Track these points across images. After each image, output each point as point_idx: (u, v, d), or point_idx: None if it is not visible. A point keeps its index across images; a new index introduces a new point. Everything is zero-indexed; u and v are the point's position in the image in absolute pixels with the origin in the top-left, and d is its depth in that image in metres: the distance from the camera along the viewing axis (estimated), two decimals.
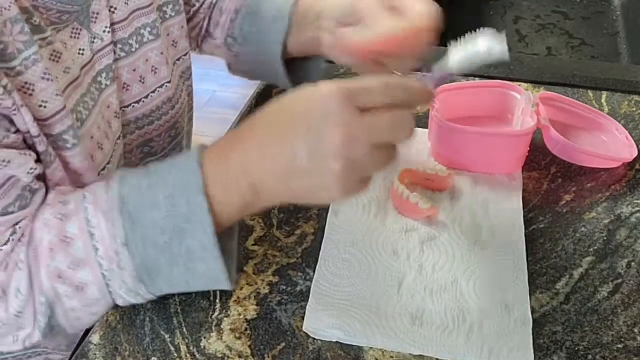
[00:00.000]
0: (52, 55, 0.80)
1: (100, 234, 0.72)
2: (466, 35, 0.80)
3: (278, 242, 0.90)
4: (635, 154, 1.01)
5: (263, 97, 1.19)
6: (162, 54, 0.98)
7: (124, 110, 0.95)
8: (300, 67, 1.06)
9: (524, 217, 0.92)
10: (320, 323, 0.79)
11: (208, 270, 0.72)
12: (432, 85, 0.79)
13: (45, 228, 0.73)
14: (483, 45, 0.78)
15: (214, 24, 1.13)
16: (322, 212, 0.94)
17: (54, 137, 0.79)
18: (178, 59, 1.05)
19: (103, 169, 0.88)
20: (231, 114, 2.99)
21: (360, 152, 0.66)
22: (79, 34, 0.85)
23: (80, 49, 0.85)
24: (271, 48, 1.03)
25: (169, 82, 1.00)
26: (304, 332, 0.78)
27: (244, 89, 3.66)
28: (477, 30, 0.79)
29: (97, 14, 0.87)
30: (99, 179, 0.85)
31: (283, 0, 1.02)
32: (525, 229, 0.91)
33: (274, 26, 1.02)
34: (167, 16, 1.01)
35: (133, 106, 0.96)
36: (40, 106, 0.76)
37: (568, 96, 1.10)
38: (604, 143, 1.06)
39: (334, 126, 0.65)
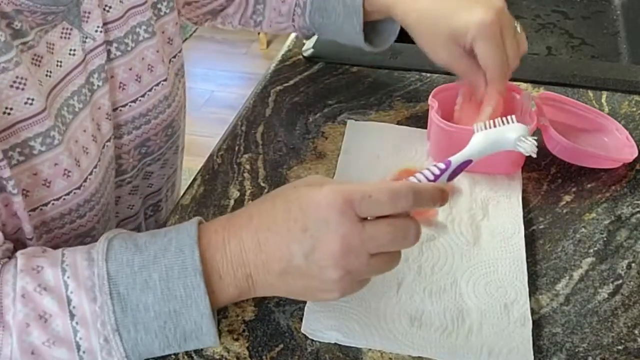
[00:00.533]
0: (33, 59, 0.79)
1: (81, 314, 0.68)
2: (483, 125, 0.79)
3: None
4: (636, 154, 1.01)
5: (261, 97, 1.19)
6: (157, 51, 0.98)
7: (120, 110, 0.95)
8: (376, 29, 1.13)
9: (524, 217, 0.92)
10: (318, 324, 0.78)
11: (200, 344, 0.72)
12: (448, 176, 0.76)
13: (20, 299, 0.68)
14: (510, 138, 0.77)
15: (276, 12, 1.18)
16: None
17: (18, 145, 0.77)
18: (174, 57, 1.06)
19: (90, 173, 0.87)
20: (229, 114, 2.99)
21: (358, 262, 0.67)
22: (69, 34, 0.85)
23: (70, 50, 0.85)
24: (349, 36, 1.11)
25: (165, 80, 1.00)
26: (302, 334, 0.78)
27: (242, 89, 3.67)
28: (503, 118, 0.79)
29: (89, 13, 0.87)
30: (73, 185, 0.85)
31: None
32: (525, 229, 0.90)
33: (348, 20, 1.08)
34: (162, 13, 1.01)
35: (129, 105, 0.96)
36: (4, 113, 0.75)
37: (568, 96, 1.10)
38: (605, 143, 1.05)
39: (332, 236, 0.65)
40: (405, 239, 0.68)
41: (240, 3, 1.20)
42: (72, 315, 0.68)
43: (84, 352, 0.68)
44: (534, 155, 0.76)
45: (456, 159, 0.76)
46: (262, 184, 0.99)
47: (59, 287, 0.69)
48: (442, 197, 0.69)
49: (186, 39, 4.19)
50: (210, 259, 0.70)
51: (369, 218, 0.67)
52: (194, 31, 4.26)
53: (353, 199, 0.65)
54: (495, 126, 0.79)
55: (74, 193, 0.85)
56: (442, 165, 0.75)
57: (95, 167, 0.88)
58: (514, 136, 0.76)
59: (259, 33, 4.13)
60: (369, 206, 0.66)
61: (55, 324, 0.68)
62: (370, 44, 1.11)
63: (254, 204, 0.74)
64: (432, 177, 0.74)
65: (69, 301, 0.68)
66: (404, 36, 1.08)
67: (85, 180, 0.86)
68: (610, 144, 1.05)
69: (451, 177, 0.76)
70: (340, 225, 0.65)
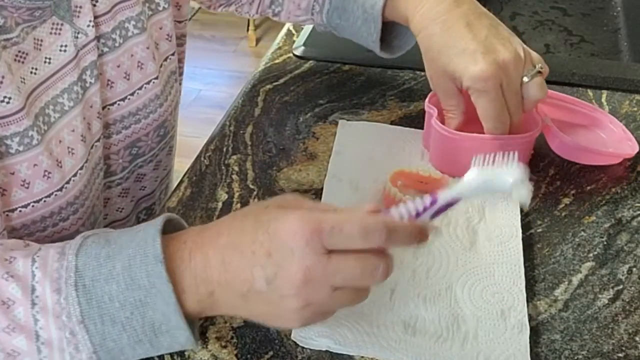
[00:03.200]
0: (17, 55, 0.79)
1: (43, 304, 0.68)
2: (487, 159, 0.76)
3: None
4: (636, 148, 1.02)
5: (250, 96, 1.19)
6: (147, 48, 0.97)
7: (108, 109, 0.95)
8: (396, 31, 1.12)
9: (521, 220, 0.92)
10: (309, 331, 0.78)
11: (174, 342, 0.71)
12: (433, 213, 0.72)
13: None
14: (506, 181, 0.73)
15: (295, 5, 1.18)
16: None
17: None
18: (172, 54, 1.05)
19: (74, 175, 0.87)
20: (217, 113, 2.99)
21: (320, 294, 0.67)
22: (60, 29, 0.84)
23: (61, 45, 0.84)
24: (366, 41, 1.10)
25: (156, 78, 1.00)
26: (293, 341, 0.78)
27: (231, 88, 3.67)
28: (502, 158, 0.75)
29: (80, 7, 0.86)
30: (54, 187, 0.85)
31: None
32: (523, 233, 0.91)
33: (366, 26, 1.07)
34: (160, 8, 1.00)
35: (118, 104, 0.96)
36: None
37: (567, 95, 1.11)
38: (602, 139, 1.06)
39: (295, 265, 0.65)
40: (372, 276, 0.67)
41: None
42: (33, 304, 0.68)
43: (42, 342, 0.68)
44: (526, 207, 0.75)
45: (444, 196, 0.73)
46: (251, 186, 0.99)
47: (26, 275, 0.69)
48: (419, 237, 0.69)
49: None
50: (175, 269, 0.70)
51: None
52: None
53: (322, 229, 0.65)
54: (493, 162, 0.75)
55: (55, 195, 0.85)
56: (428, 201, 0.72)
57: (80, 168, 0.88)
58: (510, 180, 0.73)
59: (247, 30, 4.13)
60: (338, 239, 0.65)
61: (17, 311, 0.68)
62: (388, 47, 1.11)
63: (224, 220, 0.74)
64: (413, 213, 0.71)
65: (33, 290, 0.69)
66: None
67: (67, 182, 0.86)
68: (608, 139, 1.06)
69: (435, 215, 0.72)
70: (305, 255, 0.65)
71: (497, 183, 0.73)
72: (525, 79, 0.93)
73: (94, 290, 0.69)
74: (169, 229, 0.74)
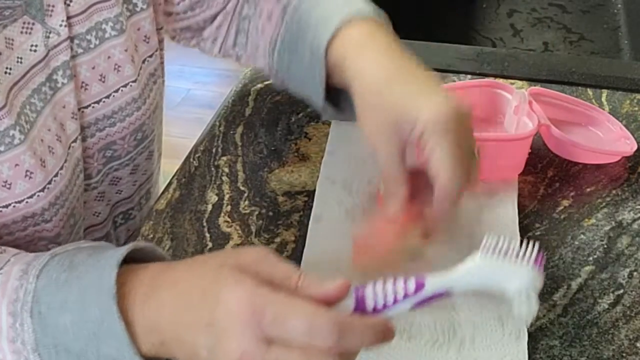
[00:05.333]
0: None
1: None
2: (494, 243, 0.65)
3: None
4: (634, 146, 1.03)
5: (241, 96, 1.19)
6: (126, 50, 0.97)
7: (82, 111, 0.94)
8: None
9: (519, 223, 0.93)
10: None
11: None
12: (415, 304, 0.62)
13: None
14: (512, 284, 0.61)
15: (254, 47, 1.07)
16: (304, 219, 0.94)
17: None
18: (150, 56, 1.04)
19: (55, 175, 0.87)
20: (207, 113, 2.98)
21: None
22: (31, 28, 0.84)
23: (32, 45, 0.84)
24: (310, 90, 0.94)
25: (134, 81, 0.99)
26: None
27: (220, 87, 3.66)
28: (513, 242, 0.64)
29: (53, 6, 0.86)
30: (36, 187, 0.84)
31: (316, 37, 0.90)
32: (521, 236, 0.91)
33: (311, 69, 0.92)
34: (138, 9, 1.00)
35: (92, 106, 0.95)
36: None
37: (566, 94, 1.11)
38: (600, 138, 1.07)
39: (233, 345, 0.61)
40: None
41: (218, 28, 1.11)
42: None
43: None
44: (527, 325, 0.72)
45: (433, 284, 0.62)
46: (242, 188, 0.99)
47: None
48: (383, 336, 0.61)
49: None
50: (128, 308, 0.67)
51: None
52: None
53: (263, 316, 0.60)
54: (507, 251, 0.64)
55: (37, 196, 0.85)
56: (412, 287, 0.61)
57: (61, 168, 0.88)
58: (516, 284, 0.61)
59: None
60: (279, 332, 0.60)
61: None
62: (336, 107, 0.94)
63: (189, 265, 0.70)
64: (391, 299, 0.62)
65: None
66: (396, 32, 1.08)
67: (49, 182, 0.86)
68: (605, 138, 1.06)
69: (418, 306, 0.62)
70: (242, 338, 0.61)
71: (500, 282, 0.63)
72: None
73: (50, 318, 0.67)
74: (140, 257, 0.71)
